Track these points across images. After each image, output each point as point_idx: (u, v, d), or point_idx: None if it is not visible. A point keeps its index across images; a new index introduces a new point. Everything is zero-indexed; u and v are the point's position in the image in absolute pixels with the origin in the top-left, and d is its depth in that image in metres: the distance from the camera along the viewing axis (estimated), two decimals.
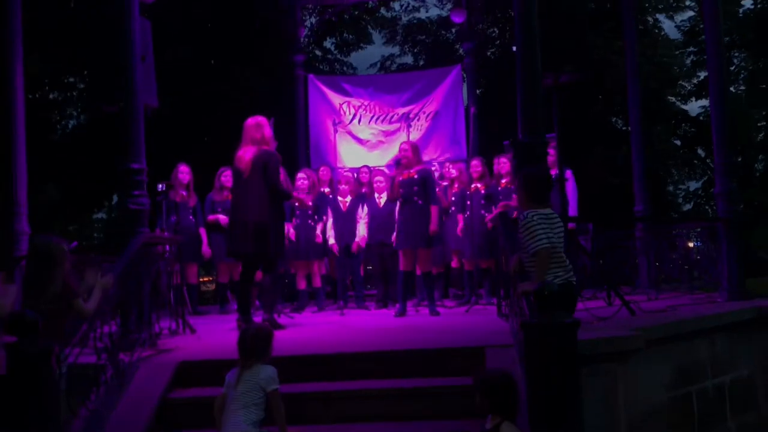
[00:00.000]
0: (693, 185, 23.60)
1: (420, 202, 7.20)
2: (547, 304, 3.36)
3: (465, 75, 12.37)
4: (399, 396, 4.36)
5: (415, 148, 7.50)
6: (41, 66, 13.49)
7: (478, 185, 8.13)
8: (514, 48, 5.58)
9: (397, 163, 7.47)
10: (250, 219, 6.19)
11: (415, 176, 7.24)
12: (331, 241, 8.27)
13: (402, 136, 10.27)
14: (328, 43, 19.28)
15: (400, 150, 7.45)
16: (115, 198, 20.79)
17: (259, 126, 6.42)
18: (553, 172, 6.69)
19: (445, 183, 8.90)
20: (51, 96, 16.78)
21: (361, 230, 8.21)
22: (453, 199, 8.43)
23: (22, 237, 7.22)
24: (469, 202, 8.20)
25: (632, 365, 4.88)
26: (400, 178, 7.29)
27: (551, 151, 6.74)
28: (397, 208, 7.62)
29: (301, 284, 8.45)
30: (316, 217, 8.32)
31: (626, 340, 4.74)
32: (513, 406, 3.51)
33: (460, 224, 8.21)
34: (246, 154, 6.33)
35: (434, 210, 7.18)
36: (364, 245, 8.26)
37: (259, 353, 3.91)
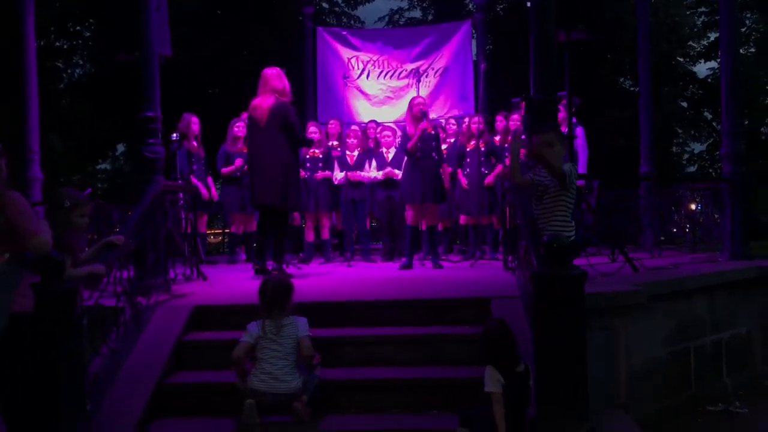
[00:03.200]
0: (698, 148, 23.62)
1: (437, 157, 7.25)
2: (556, 256, 3.46)
3: (474, 31, 12.28)
4: (407, 343, 4.49)
5: (427, 104, 7.51)
6: (50, 12, 13.38)
7: (479, 142, 8.15)
8: (529, 3, 5.56)
9: (423, 114, 7.27)
10: (272, 168, 6.25)
11: (432, 132, 7.26)
12: (340, 175, 8.37)
13: (411, 92, 10.25)
14: None
15: (417, 104, 7.30)
16: (119, 148, 20.86)
17: (280, 76, 6.42)
18: (563, 129, 6.76)
19: (450, 139, 8.93)
20: (57, 44, 16.69)
21: (372, 172, 8.31)
22: (453, 154, 8.48)
23: (35, 183, 7.35)
24: (468, 159, 8.25)
25: (634, 320, 5.02)
26: (419, 133, 7.12)
27: (561, 108, 6.77)
28: (406, 161, 7.65)
29: (310, 236, 8.57)
30: (325, 170, 8.39)
31: (629, 295, 4.88)
32: (505, 354, 3.64)
33: (463, 180, 8.28)
34: (264, 102, 6.33)
35: (445, 167, 7.23)
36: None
37: (282, 303, 4.03)
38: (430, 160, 7.21)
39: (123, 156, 21.60)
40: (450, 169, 8.45)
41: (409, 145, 7.13)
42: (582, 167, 7.71)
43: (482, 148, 8.14)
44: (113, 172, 24.45)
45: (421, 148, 7.18)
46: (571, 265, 3.50)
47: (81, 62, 17.58)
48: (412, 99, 7.55)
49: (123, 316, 4.34)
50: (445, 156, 8.43)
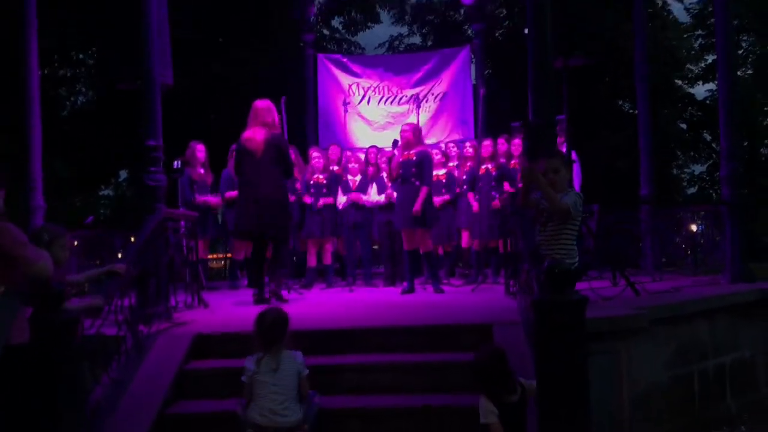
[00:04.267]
0: (698, 169, 23.68)
1: (417, 183, 7.28)
2: (557, 282, 3.47)
3: (473, 56, 12.39)
4: (409, 369, 4.48)
5: (416, 131, 7.59)
6: (53, 41, 13.51)
7: (488, 166, 8.21)
8: (526, 30, 5.63)
9: (394, 143, 7.53)
10: (266, 197, 6.42)
11: (414, 158, 7.34)
12: (343, 199, 8.47)
13: (411, 118, 10.34)
14: (335, 22, 19.29)
15: (401, 131, 7.54)
16: (122, 175, 20.96)
17: (270, 110, 6.68)
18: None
19: (454, 162, 8.98)
20: (60, 72, 16.84)
21: (373, 196, 8.40)
22: (465, 177, 8.51)
23: (37, 211, 7.35)
24: (480, 183, 8.29)
25: (636, 344, 5.01)
26: (399, 159, 7.38)
27: (559, 133, 6.81)
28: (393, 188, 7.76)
29: (312, 261, 8.58)
30: (328, 196, 8.43)
31: (630, 319, 4.86)
32: (497, 383, 3.61)
33: (474, 204, 8.31)
34: (257, 134, 6.55)
35: (423, 191, 7.23)
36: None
37: (280, 337, 4.00)
38: (409, 185, 7.31)
39: (126, 182, 21.69)
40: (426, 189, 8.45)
41: (387, 172, 7.39)
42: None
43: (493, 173, 8.19)
44: (116, 198, 24.54)
45: (402, 174, 7.32)
46: (571, 291, 3.50)
47: (84, 90, 17.72)
48: (402, 126, 7.72)
49: (124, 344, 4.35)
50: (444, 181, 8.48)
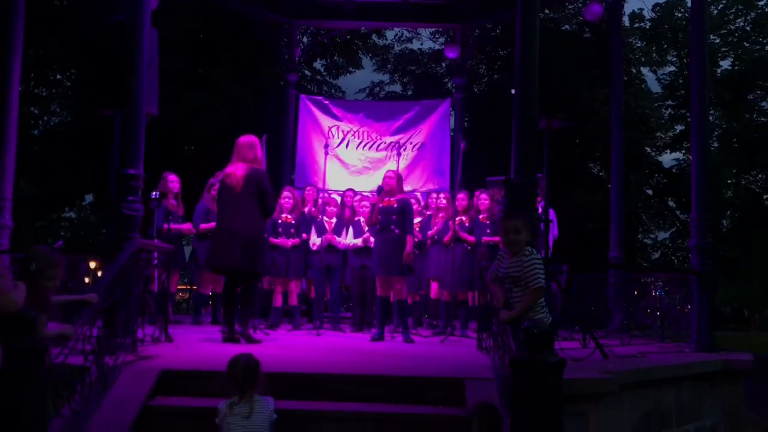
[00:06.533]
0: (661, 235, 24.21)
1: (397, 231, 7.32)
2: (536, 342, 3.48)
3: (453, 109, 12.60)
4: (378, 420, 4.40)
5: (399, 178, 7.66)
6: (32, 57, 13.40)
7: (463, 218, 8.28)
8: (513, 90, 5.76)
9: (379, 189, 7.56)
10: (242, 234, 6.36)
11: (395, 205, 7.38)
12: (318, 241, 8.42)
13: (390, 165, 10.41)
14: (317, 64, 19.53)
15: (385, 177, 7.59)
16: (87, 198, 20.63)
17: (252, 146, 6.65)
18: (539, 212, 6.90)
19: (429, 212, 9.03)
20: (36, 91, 16.65)
21: (349, 239, 8.41)
22: (437, 228, 8.55)
23: (4, 231, 7.19)
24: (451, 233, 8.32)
25: (604, 407, 5.01)
26: (381, 205, 7.41)
27: (538, 191, 6.91)
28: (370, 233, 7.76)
29: (278, 301, 8.46)
30: (297, 236, 8.38)
31: (600, 382, 4.89)
32: None
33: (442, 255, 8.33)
34: (237, 170, 6.52)
35: (409, 240, 7.31)
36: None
37: (255, 382, 3.93)
38: (388, 232, 7.32)
39: (90, 206, 21.32)
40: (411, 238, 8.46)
41: (366, 216, 7.42)
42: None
43: (466, 224, 8.25)
44: (78, 221, 24.09)
45: (381, 221, 7.33)
46: (551, 352, 3.51)
47: (58, 110, 17.54)
48: (386, 172, 7.74)
49: (89, 376, 4.20)
50: (418, 229, 8.51)
